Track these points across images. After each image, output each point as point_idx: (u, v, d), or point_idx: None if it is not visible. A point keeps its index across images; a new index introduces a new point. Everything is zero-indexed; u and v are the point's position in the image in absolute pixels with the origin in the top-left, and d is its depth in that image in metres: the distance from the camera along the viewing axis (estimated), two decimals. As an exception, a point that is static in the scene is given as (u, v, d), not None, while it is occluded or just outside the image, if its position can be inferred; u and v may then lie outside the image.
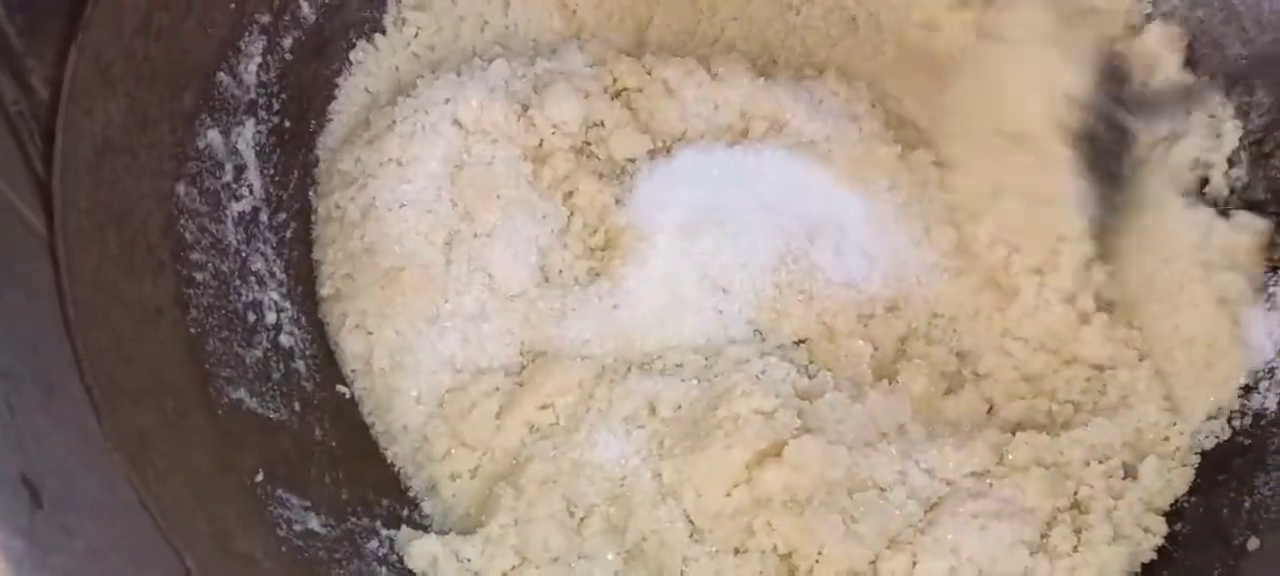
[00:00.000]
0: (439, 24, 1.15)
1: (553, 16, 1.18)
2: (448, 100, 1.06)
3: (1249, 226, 1.03)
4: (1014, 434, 0.98)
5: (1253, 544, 0.92)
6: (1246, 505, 0.95)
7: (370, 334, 1.03)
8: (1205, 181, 1.08)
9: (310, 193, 1.10)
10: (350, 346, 1.04)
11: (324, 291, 1.06)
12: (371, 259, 1.03)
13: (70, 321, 0.83)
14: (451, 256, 1.04)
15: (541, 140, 1.08)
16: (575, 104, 1.07)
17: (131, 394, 0.85)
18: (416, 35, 1.15)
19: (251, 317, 1.00)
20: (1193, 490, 0.98)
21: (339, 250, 1.06)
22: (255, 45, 1.05)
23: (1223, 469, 0.98)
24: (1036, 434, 0.98)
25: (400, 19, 1.15)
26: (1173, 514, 0.98)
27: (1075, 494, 0.96)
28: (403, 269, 1.02)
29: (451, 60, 1.13)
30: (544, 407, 1.00)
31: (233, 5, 1.02)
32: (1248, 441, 0.98)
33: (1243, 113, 1.06)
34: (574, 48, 1.13)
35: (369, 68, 1.14)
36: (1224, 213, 1.05)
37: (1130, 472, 0.98)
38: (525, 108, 1.08)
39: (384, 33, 1.15)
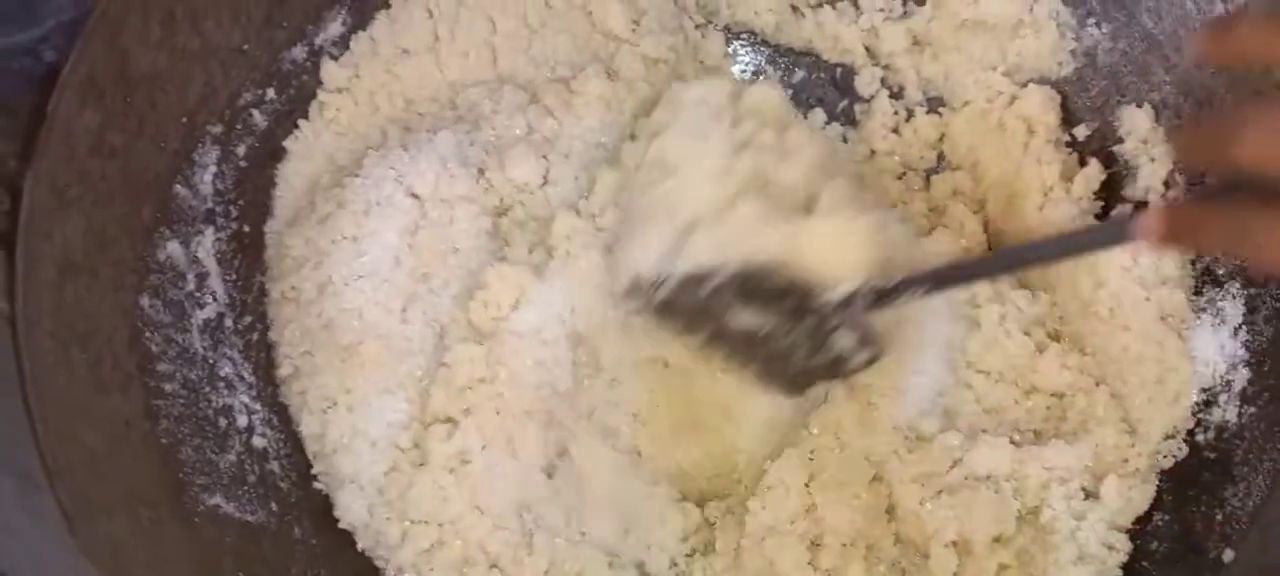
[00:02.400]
0: (356, 102, 1.14)
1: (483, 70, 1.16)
2: (398, 177, 1.06)
3: None
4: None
5: (1228, 555, 0.93)
6: (1218, 518, 0.96)
7: (325, 412, 1.03)
8: (1143, 204, 1.11)
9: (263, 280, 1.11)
10: (309, 427, 1.04)
11: (282, 371, 1.06)
12: (330, 335, 1.03)
13: (40, 440, 0.84)
14: (407, 319, 1.04)
15: (501, 199, 1.09)
16: (536, 165, 1.08)
17: (105, 507, 0.85)
18: (337, 115, 1.14)
19: (222, 423, 1.01)
20: (1164, 507, 1.00)
21: (296, 329, 1.06)
22: (209, 155, 1.07)
23: (1192, 484, 0.99)
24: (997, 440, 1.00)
25: (320, 103, 1.14)
26: (1146, 532, 0.99)
27: (1038, 516, 0.98)
28: (361, 342, 1.02)
29: (374, 135, 1.13)
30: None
31: (185, 119, 1.04)
32: (1213, 455, 1.00)
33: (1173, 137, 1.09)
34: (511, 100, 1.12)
35: (301, 153, 1.13)
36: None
37: (1091, 495, 0.99)
38: (481, 171, 1.08)
39: (308, 118, 1.15)
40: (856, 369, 0.98)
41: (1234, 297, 1.03)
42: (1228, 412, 1.00)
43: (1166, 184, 1.09)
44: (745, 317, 0.95)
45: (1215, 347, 1.02)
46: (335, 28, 1.14)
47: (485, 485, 0.99)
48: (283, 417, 1.06)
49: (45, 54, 1.02)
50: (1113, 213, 1.12)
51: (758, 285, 0.93)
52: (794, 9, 1.26)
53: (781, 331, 0.95)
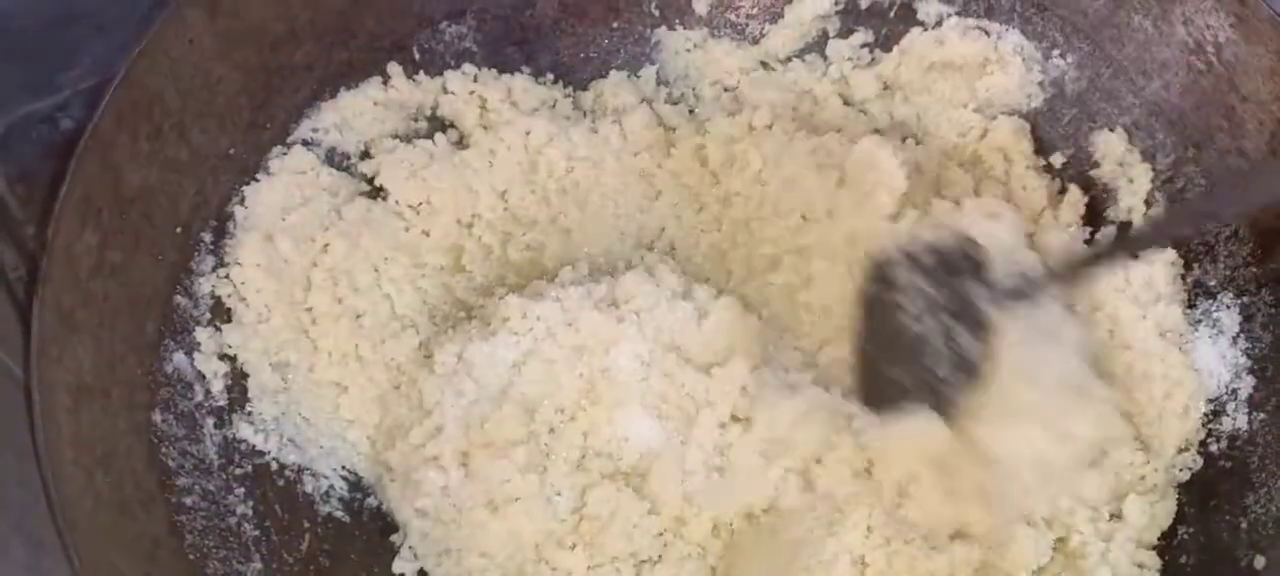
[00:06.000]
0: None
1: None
2: None
3: (1158, 259, 1.08)
4: None
5: (1259, 562, 0.95)
6: (1243, 526, 0.98)
7: None
8: (1127, 225, 1.14)
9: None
10: None
11: None
12: None
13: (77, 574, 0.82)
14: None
15: None
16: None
17: (147, 633, 0.84)
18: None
19: (245, 531, 0.99)
20: (1188, 521, 1.02)
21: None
22: (205, 262, 1.06)
23: (1213, 494, 1.01)
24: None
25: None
26: (1174, 547, 1.01)
27: (1067, 543, 0.99)
28: None
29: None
30: None
31: (179, 229, 1.04)
32: (1229, 464, 1.02)
33: (1149, 156, 1.12)
34: None
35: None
36: (1133, 254, 1.10)
37: (1115, 516, 1.01)
38: None
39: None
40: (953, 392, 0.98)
41: (1228, 307, 1.06)
42: (1238, 421, 1.03)
43: (1147, 203, 1.12)
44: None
45: (1216, 357, 1.05)
46: (329, 116, 1.15)
47: None
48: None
49: (63, 122, 1.02)
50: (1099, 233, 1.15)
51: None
52: (763, 65, 1.29)
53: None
